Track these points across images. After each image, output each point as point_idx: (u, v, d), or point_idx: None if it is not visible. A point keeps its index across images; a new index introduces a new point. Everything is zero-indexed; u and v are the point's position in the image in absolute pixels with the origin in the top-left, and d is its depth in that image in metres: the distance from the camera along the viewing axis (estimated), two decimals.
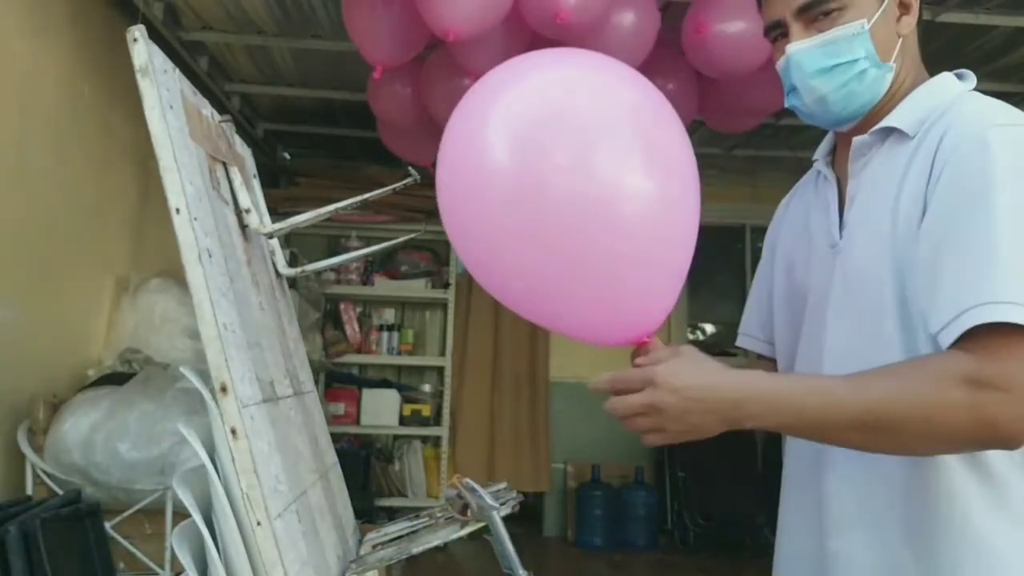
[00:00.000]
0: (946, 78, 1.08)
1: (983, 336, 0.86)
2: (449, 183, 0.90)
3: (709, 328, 5.75)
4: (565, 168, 0.86)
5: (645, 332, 0.98)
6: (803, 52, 1.04)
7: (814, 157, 1.19)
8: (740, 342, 1.31)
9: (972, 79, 1.09)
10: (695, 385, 0.91)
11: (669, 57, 3.08)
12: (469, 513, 1.00)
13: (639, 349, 1.00)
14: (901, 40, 1.06)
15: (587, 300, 0.93)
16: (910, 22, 1.06)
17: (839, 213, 1.10)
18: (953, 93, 1.05)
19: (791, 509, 1.14)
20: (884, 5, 1.03)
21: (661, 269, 0.95)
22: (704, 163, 4.80)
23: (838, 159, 1.15)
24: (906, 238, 0.98)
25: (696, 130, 4.37)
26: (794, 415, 0.90)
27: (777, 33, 1.08)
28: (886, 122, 1.05)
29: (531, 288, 0.92)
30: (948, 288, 0.90)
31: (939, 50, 3.56)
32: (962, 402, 0.85)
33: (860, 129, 1.08)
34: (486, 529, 1.06)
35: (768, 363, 1.26)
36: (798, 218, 1.21)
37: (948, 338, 0.89)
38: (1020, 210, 0.89)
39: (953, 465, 0.95)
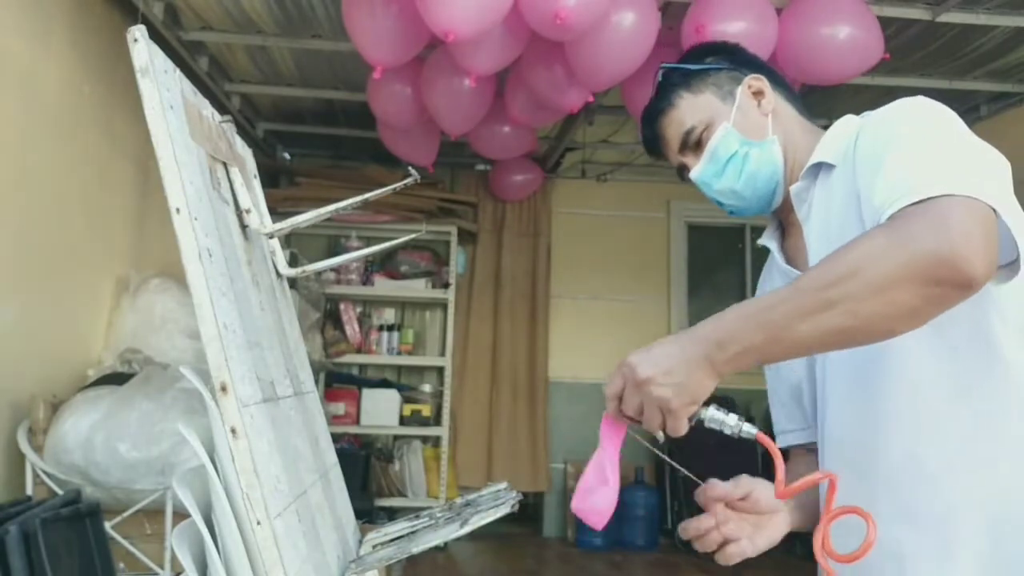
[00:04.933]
0: (850, 117, 1.17)
1: (903, 210, 0.89)
2: None
3: None
4: None
5: None
6: (699, 172, 1.23)
7: (762, 243, 1.29)
8: (782, 442, 1.28)
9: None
10: (660, 344, 0.92)
11: (669, 57, 3.08)
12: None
13: None
14: (771, 116, 1.22)
15: None
16: (770, 100, 1.22)
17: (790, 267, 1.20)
18: (859, 120, 1.13)
19: None
20: (737, 102, 1.22)
21: None
22: None
23: (789, 229, 1.25)
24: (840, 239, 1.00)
25: None
26: (750, 326, 0.89)
27: (685, 174, 1.26)
28: (811, 161, 1.15)
29: None
30: (879, 200, 0.93)
31: (939, 50, 3.56)
32: (883, 243, 0.85)
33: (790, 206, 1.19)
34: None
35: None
36: None
37: (883, 218, 0.91)
38: (929, 133, 0.98)
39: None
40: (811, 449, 1.21)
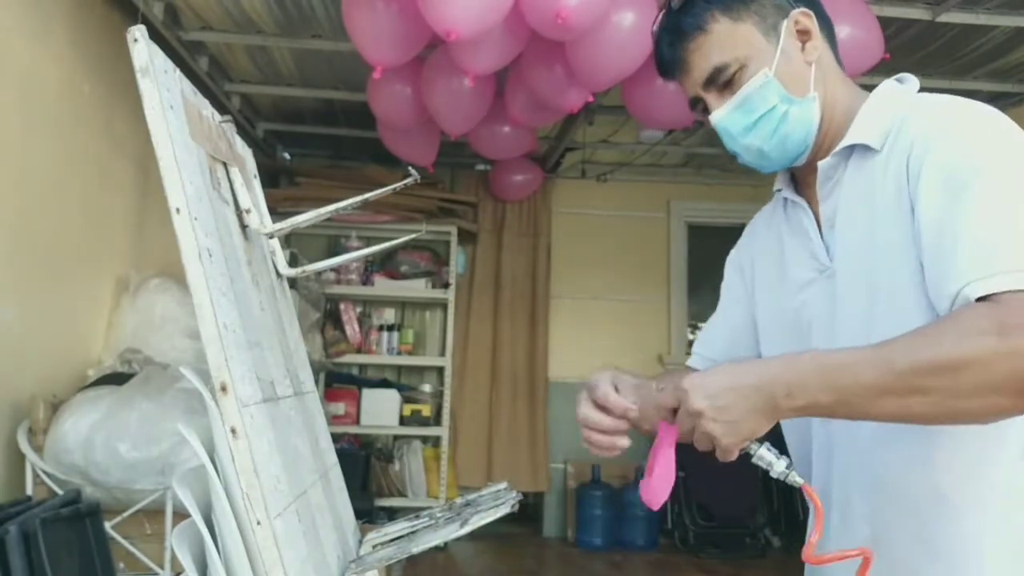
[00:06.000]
0: (891, 86, 1.07)
1: (1003, 296, 0.83)
2: None
3: None
4: None
5: None
6: (724, 118, 1.06)
7: (776, 187, 1.18)
8: (693, 362, 1.27)
9: (914, 81, 1.08)
10: (720, 374, 0.89)
11: None
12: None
13: None
14: (814, 66, 1.06)
15: None
16: (815, 46, 1.06)
17: (820, 236, 1.09)
18: (907, 100, 1.04)
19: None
20: (781, 44, 1.04)
21: None
22: (704, 163, 4.82)
23: (801, 186, 1.14)
24: (887, 249, 0.97)
25: (696, 130, 4.37)
26: (824, 383, 0.85)
27: (700, 108, 1.10)
28: (847, 140, 1.04)
29: None
30: (963, 260, 0.87)
31: (939, 50, 3.56)
32: (993, 347, 0.80)
33: (818, 155, 1.08)
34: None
35: None
36: (772, 245, 1.18)
37: (972, 294, 0.85)
38: (1010, 181, 0.89)
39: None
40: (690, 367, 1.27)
